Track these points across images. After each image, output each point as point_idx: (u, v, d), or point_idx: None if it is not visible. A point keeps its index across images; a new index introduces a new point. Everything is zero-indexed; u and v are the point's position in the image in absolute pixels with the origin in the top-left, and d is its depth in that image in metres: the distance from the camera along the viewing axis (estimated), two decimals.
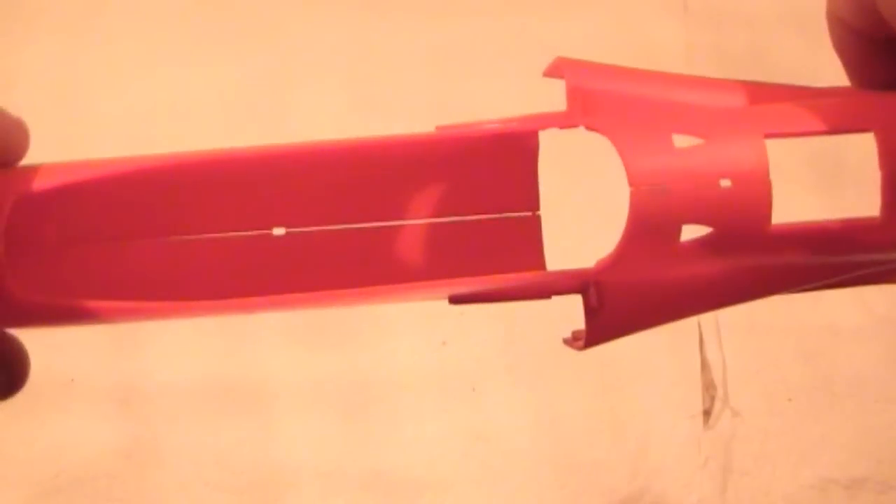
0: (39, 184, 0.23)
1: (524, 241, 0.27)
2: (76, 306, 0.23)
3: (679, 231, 0.22)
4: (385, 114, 0.55)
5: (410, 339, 0.51)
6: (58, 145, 0.55)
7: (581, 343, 0.26)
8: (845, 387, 0.51)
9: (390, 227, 0.27)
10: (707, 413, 0.50)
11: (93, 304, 0.23)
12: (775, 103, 0.24)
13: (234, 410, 0.49)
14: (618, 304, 0.24)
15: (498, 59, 0.53)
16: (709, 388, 0.51)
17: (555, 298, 0.26)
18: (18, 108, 0.54)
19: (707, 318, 0.52)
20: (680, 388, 0.51)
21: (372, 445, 0.49)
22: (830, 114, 0.24)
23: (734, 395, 0.51)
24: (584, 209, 0.51)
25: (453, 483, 0.49)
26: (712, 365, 0.51)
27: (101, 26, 0.57)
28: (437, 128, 0.26)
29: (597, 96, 0.24)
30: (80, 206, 0.25)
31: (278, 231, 0.26)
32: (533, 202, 0.27)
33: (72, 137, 0.54)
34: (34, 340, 0.53)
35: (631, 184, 0.22)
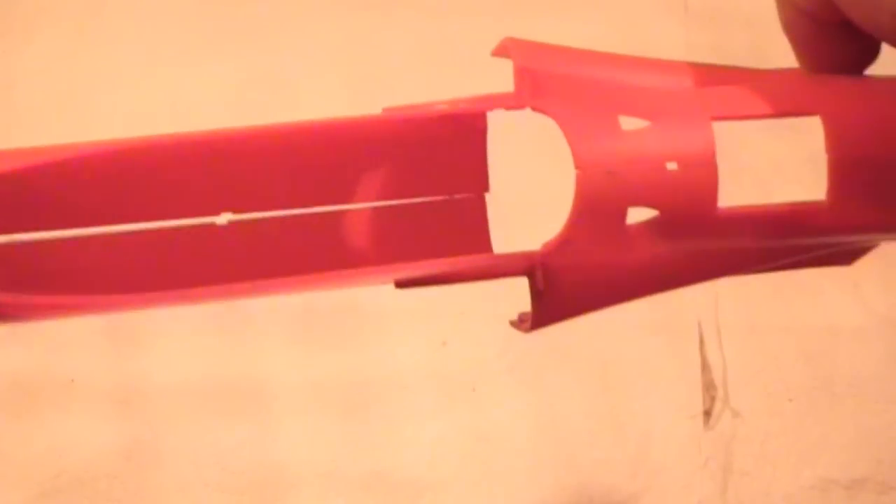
0: None
1: (470, 223, 0.27)
2: (8, 303, 0.22)
3: (625, 214, 0.22)
4: None
5: (410, 339, 0.51)
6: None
7: (527, 325, 0.25)
8: (846, 387, 0.51)
9: (337, 211, 0.27)
10: (707, 413, 0.50)
11: (23, 299, 0.23)
12: (723, 86, 0.24)
13: (234, 410, 0.49)
14: (564, 287, 0.24)
15: (498, 59, 0.53)
16: (709, 388, 0.51)
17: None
18: (18, 108, 0.54)
19: (707, 319, 0.52)
20: (680, 388, 0.51)
21: (372, 445, 0.49)
22: (778, 97, 0.24)
23: (734, 395, 0.51)
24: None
25: (453, 483, 0.49)
26: (712, 365, 0.51)
27: (101, 26, 0.57)
28: (385, 109, 0.26)
29: (545, 77, 0.24)
30: (10, 196, 0.24)
31: (222, 219, 0.26)
32: (482, 184, 0.27)
33: (72, 137, 0.54)
34: (34, 340, 0.53)
35: (577, 166, 0.22)
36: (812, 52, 0.26)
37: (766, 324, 0.52)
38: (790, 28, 0.26)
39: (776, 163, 0.55)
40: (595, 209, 0.22)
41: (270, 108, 0.55)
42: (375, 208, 0.27)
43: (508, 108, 0.24)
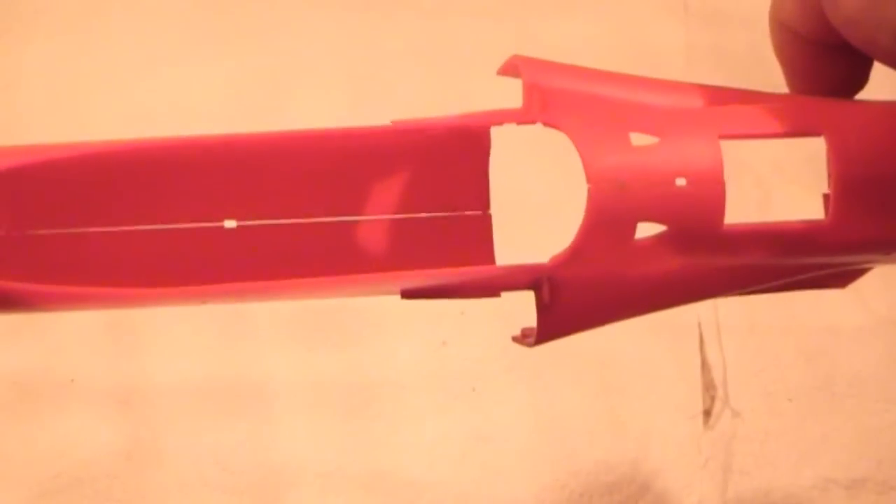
0: None
1: (475, 240, 0.27)
2: (19, 291, 0.23)
3: (635, 228, 0.23)
4: (385, 114, 0.55)
5: (410, 339, 0.51)
6: None
7: (531, 340, 0.26)
8: (846, 387, 0.51)
9: (340, 222, 0.27)
10: (707, 413, 0.50)
11: (35, 288, 0.23)
12: (731, 106, 0.25)
13: (234, 410, 0.49)
14: (571, 301, 0.25)
15: (498, 59, 0.53)
16: (709, 388, 0.51)
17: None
18: (18, 108, 0.54)
19: (707, 319, 0.52)
20: (680, 388, 0.51)
21: (372, 445, 0.49)
22: (784, 117, 0.24)
23: (734, 395, 0.51)
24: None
25: (453, 483, 0.49)
26: (712, 365, 0.51)
27: (101, 26, 0.57)
28: (393, 122, 0.26)
29: (553, 94, 0.25)
30: (25, 191, 0.25)
31: (229, 223, 0.26)
32: (484, 201, 0.27)
33: (72, 137, 0.54)
34: (34, 340, 0.53)
35: (589, 180, 0.22)
36: (805, 75, 0.26)
37: (766, 324, 0.52)
38: (783, 51, 0.26)
39: (776, 163, 0.55)
40: (605, 222, 0.22)
41: (270, 108, 0.55)
42: (381, 221, 0.27)
43: (519, 122, 0.24)
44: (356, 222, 0.27)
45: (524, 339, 0.27)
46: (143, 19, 0.58)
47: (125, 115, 0.55)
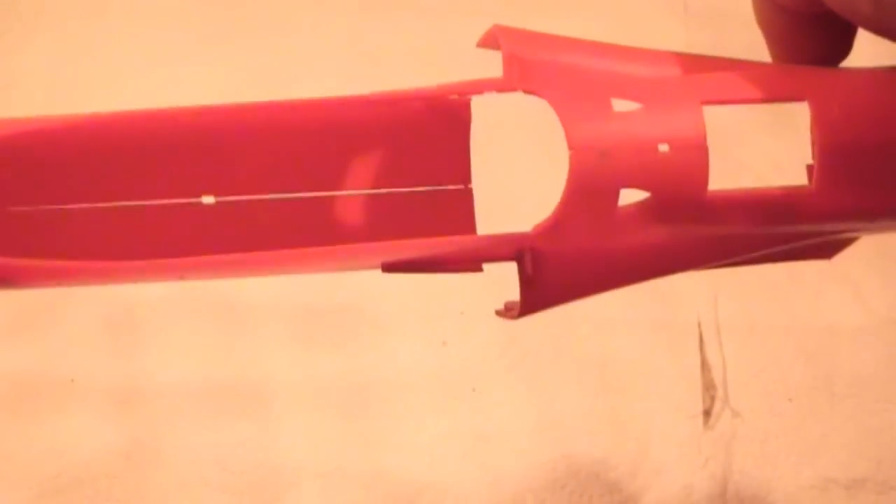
0: None
1: (456, 214, 0.27)
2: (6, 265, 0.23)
3: (618, 196, 0.22)
4: None
5: (410, 339, 0.51)
6: None
7: (515, 312, 0.25)
8: (845, 387, 0.51)
9: (320, 197, 0.27)
10: (707, 413, 0.50)
11: (11, 263, 0.23)
12: (713, 73, 0.25)
13: (234, 410, 0.49)
14: (555, 271, 0.24)
15: (498, 59, 0.53)
16: (709, 388, 0.51)
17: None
18: (18, 108, 0.54)
19: (707, 319, 0.52)
20: (680, 388, 0.51)
21: (372, 445, 0.49)
22: (767, 83, 0.24)
23: (734, 395, 0.51)
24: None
25: (453, 483, 0.49)
26: (712, 365, 0.51)
27: (101, 26, 0.57)
28: (370, 93, 0.25)
29: (534, 63, 0.24)
30: (8, 164, 0.24)
31: (207, 199, 0.26)
32: (465, 175, 0.27)
33: None
34: (34, 340, 0.53)
35: (570, 147, 0.22)
36: (787, 45, 0.26)
37: (766, 324, 0.52)
38: (765, 21, 0.26)
39: (776, 163, 0.55)
40: (588, 190, 0.22)
41: None
42: (360, 196, 0.27)
43: (499, 91, 0.24)
44: (335, 197, 0.27)
45: (507, 312, 0.26)
46: (143, 19, 0.58)
47: None
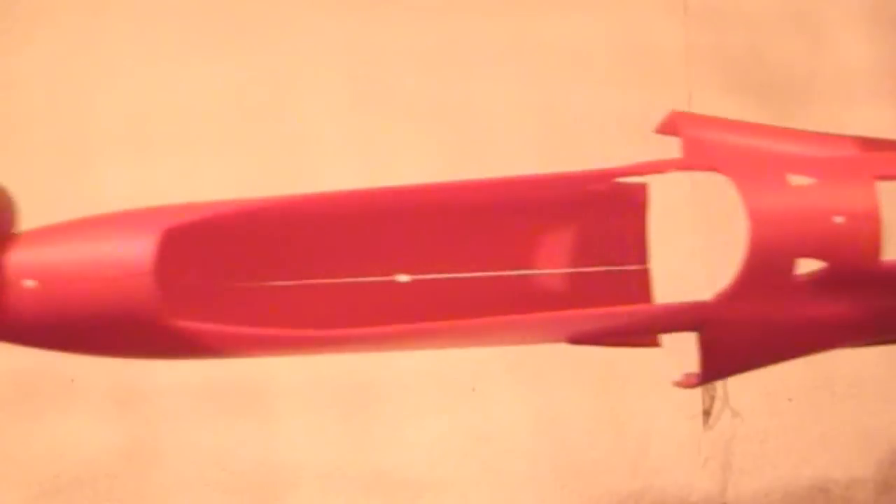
0: (181, 218, 0.24)
1: (635, 292, 0.29)
2: (219, 333, 0.24)
3: (794, 265, 0.24)
4: (385, 113, 0.55)
5: None
6: (57, 145, 0.55)
7: (694, 381, 0.28)
8: (845, 387, 0.51)
9: (504, 276, 0.29)
10: (707, 413, 0.50)
11: (230, 332, 0.25)
12: (883, 151, 0.26)
13: (234, 410, 0.49)
14: (734, 341, 0.26)
15: (498, 59, 0.53)
16: (709, 388, 0.51)
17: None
18: (18, 108, 0.54)
19: None
20: (680, 388, 0.51)
21: (372, 445, 0.49)
22: None
23: (734, 395, 0.51)
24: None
25: (453, 483, 0.49)
26: None
27: (101, 26, 0.57)
28: (555, 172, 0.27)
29: (712, 144, 0.26)
30: (217, 242, 0.26)
31: (402, 278, 0.28)
32: (642, 254, 0.29)
33: (72, 137, 0.54)
34: None
35: (750, 218, 0.24)
36: None
37: None
38: None
39: None
40: (766, 259, 0.24)
41: (270, 107, 0.55)
42: (544, 275, 0.29)
43: (680, 169, 0.26)
44: (521, 276, 0.29)
45: (685, 381, 0.29)
46: (143, 19, 0.58)
47: (125, 115, 0.55)
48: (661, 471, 0.49)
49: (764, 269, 0.24)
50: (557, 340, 0.27)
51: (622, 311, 0.26)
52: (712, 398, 0.51)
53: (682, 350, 0.53)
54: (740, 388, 0.51)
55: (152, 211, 0.24)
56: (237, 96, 0.56)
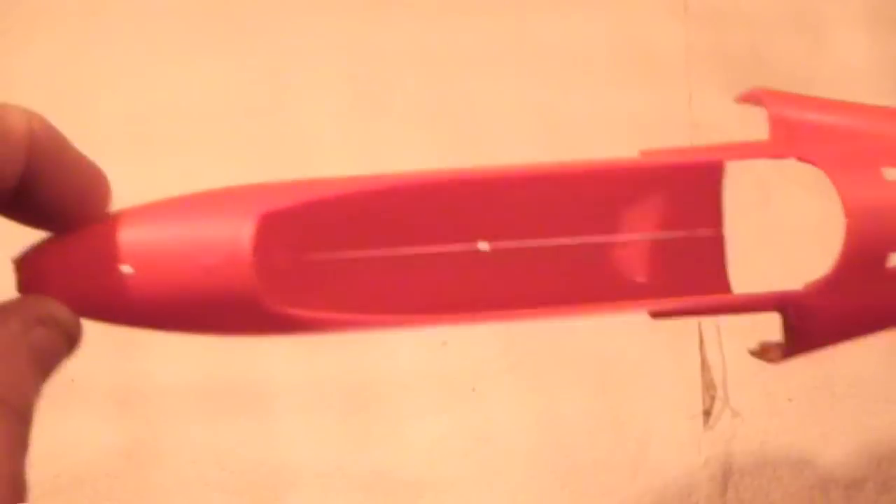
0: (279, 201, 0.24)
1: (709, 259, 0.30)
2: (316, 318, 0.24)
3: (886, 258, 0.25)
4: (385, 113, 0.55)
5: (410, 339, 0.51)
6: None
7: (776, 356, 0.29)
8: (845, 387, 0.51)
9: (587, 243, 0.29)
10: (707, 413, 0.50)
11: (328, 315, 0.25)
12: None
13: (234, 410, 0.49)
14: (822, 325, 0.27)
15: (498, 59, 0.53)
16: (709, 388, 0.51)
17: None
18: None
19: (707, 319, 0.52)
20: (680, 388, 0.51)
21: (372, 445, 0.49)
22: None
23: (734, 395, 0.51)
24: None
25: (453, 483, 0.49)
26: (712, 365, 0.51)
27: (101, 26, 0.57)
28: (641, 153, 0.28)
29: (801, 127, 0.27)
30: (311, 222, 0.26)
31: (483, 246, 0.28)
32: (718, 222, 0.30)
33: (72, 137, 0.54)
34: None
35: (847, 213, 0.24)
36: None
37: (767, 324, 0.52)
38: None
39: (775, 162, 0.55)
40: (862, 252, 0.25)
41: (270, 107, 0.55)
42: (622, 243, 0.29)
43: (771, 157, 0.26)
44: (600, 244, 0.29)
45: (764, 353, 0.29)
46: (143, 19, 0.58)
47: (125, 115, 0.55)
48: (661, 471, 0.49)
49: (858, 262, 0.25)
50: (639, 314, 0.28)
51: (708, 301, 0.27)
52: (712, 398, 0.51)
53: (683, 350, 0.53)
54: (740, 388, 0.51)
55: (252, 191, 0.24)
56: (237, 96, 0.56)
